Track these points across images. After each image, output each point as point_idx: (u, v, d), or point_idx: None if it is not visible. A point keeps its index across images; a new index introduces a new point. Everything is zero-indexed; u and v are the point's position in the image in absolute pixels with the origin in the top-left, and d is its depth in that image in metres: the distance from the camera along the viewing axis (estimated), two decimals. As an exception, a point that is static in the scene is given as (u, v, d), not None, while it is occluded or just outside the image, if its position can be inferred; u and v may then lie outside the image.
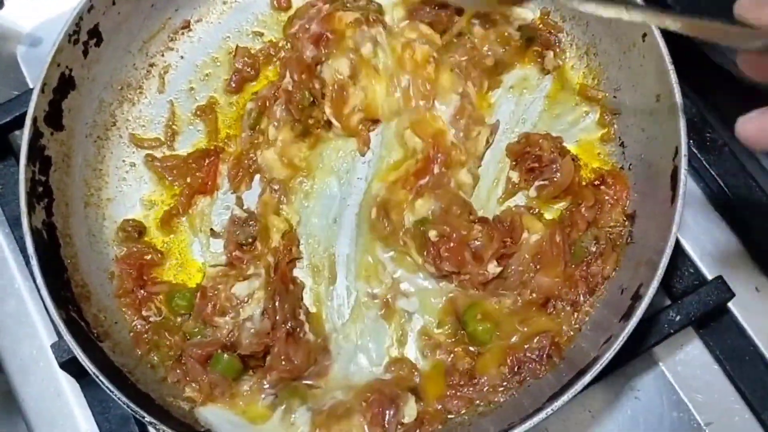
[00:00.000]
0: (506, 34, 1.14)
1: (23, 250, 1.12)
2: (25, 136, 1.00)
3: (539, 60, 1.16)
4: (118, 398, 0.89)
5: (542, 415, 0.87)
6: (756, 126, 0.74)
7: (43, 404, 1.10)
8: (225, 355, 0.99)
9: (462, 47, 1.13)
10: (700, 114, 1.15)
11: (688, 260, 1.11)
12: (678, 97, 0.97)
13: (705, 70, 1.12)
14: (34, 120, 1.01)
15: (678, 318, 1.02)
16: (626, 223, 1.04)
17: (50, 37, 1.05)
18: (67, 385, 1.10)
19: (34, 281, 1.09)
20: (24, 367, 1.11)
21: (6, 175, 1.17)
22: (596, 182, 1.07)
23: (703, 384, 1.08)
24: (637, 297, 0.93)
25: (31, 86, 1.25)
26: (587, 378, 0.88)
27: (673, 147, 0.97)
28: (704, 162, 1.14)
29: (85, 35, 1.08)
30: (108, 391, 0.89)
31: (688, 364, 1.09)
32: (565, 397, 0.88)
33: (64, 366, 1.03)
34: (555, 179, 1.06)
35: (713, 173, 1.14)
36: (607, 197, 1.05)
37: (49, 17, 1.32)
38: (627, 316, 0.91)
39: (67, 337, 0.92)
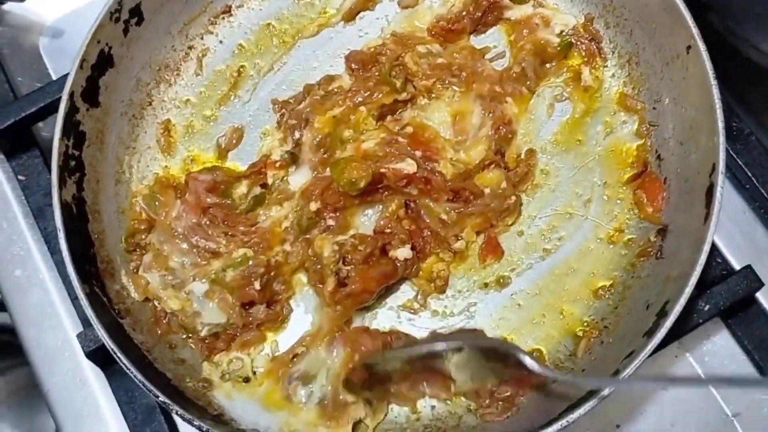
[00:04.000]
0: (542, 41, 1.13)
1: (48, 241, 1.15)
2: (60, 110, 1.01)
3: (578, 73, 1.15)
4: (134, 375, 0.89)
5: (556, 426, 0.86)
6: None
7: (68, 395, 1.10)
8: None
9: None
10: (726, 103, 1.12)
11: (716, 250, 1.10)
12: (719, 112, 0.95)
13: (731, 59, 1.10)
14: (71, 95, 1.02)
15: (707, 308, 1.02)
16: (657, 237, 1.02)
17: (73, 29, 1.07)
18: (93, 375, 1.11)
19: (58, 269, 1.13)
20: (49, 358, 1.12)
21: (30, 166, 1.19)
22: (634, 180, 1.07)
23: (730, 374, 1.07)
24: (663, 314, 0.91)
25: (54, 77, 1.27)
26: (606, 392, 0.87)
27: (710, 163, 0.95)
28: (731, 152, 1.13)
29: (126, 14, 1.09)
30: (123, 367, 0.90)
31: (715, 354, 1.09)
32: (581, 410, 0.87)
33: (90, 355, 1.04)
34: None
35: (740, 163, 1.13)
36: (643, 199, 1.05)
37: (72, 9, 1.34)
38: (651, 332, 0.90)
39: (88, 311, 0.92)
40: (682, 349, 1.09)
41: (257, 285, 1.01)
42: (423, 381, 0.97)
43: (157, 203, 1.07)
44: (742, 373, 1.07)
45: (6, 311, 1.16)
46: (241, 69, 1.18)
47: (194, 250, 1.04)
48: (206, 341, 1.02)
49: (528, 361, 0.88)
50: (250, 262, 1.02)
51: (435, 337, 1.00)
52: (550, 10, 1.17)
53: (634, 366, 0.87)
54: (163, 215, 1.06)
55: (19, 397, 2.14)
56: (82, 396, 1.10)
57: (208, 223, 1.04)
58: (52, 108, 1.11)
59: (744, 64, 1.10)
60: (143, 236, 1.06)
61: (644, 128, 1.09)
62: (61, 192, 0.98)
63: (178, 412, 0.89)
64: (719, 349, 1.09)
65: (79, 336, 1.05)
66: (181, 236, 1.04)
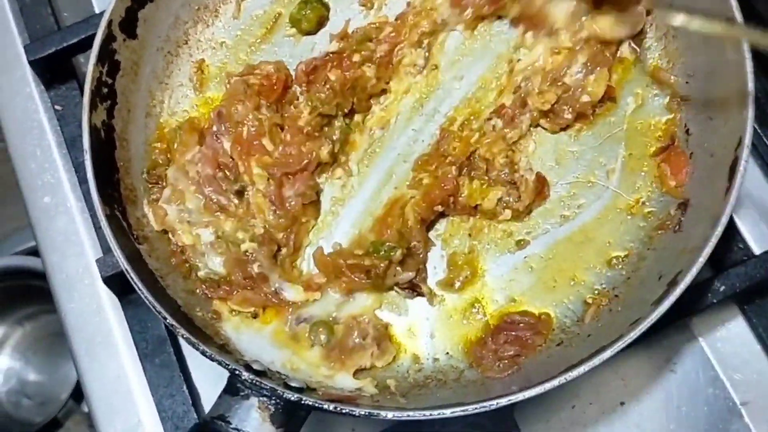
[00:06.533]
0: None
1: (78, 171, 1.18)
2: (98, 36, 1.03)
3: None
4: (144, 296, 0.91)
5: (554, 383, 0.86)
6: None
7: (83, 320, 1.14)
8: None
9: None
10: (763, 89, 1.11)
11: (739, 236, 1.08)
12: (751, 85, 0.93)
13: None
14: (109, 23, 1.04)
15: (722, 288, 1.01)
16: (678, 211, 1.01)
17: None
18: (109, 303, 1.14)
19: (86, 198, 1.17)
20: (69, 283, 1.15)
21: (67, 97, 1.21)
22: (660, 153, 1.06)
23: (742, 362, 1.06)
24: (673, 283, 0.90)
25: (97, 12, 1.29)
26: (607, 354, 0.86)
27: (737, 137, 0.93)
28: (764, 137, 1.11)
29: (169, -50, 1.11)
30: (135, 286, 0.92)
31: (728, 341, 1.07)
32: (582, 368, 0.86)
33: (107, 281, 1.07)
34: None
35: (773, 151, 1.11)
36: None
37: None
38: (659, 301, 0.89)
39: (107, 231, 0.94)
40: (695, 334, 1.08)
41: (256, 268, 1.02)
42: None
43: (177, 140, 1.08)
44: (754, 361, 1.06)
45: (38, 257, 1.20)
46: (278, 16, 1.19)
47: (204, 200, 1.05)
48: (205, 284, 1.03)
49: None
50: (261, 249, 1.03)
51: None
52: (590, -24, 1.15)
53: (637, 332, 0.86)
54: (179, 154, 1.07)
55: (44, 343, 2.20)
56: (96, 322, 1.14)
57: (222, 177, 1.06)
58: (92, 41, 1.13)
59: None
60: (164, 169, 1.08)
61: (676, 102, 1.07)
62: (91, 115, 1.00)
63: (184, 336, 0.90)
64: (733, 336, 1.08)
65: (98, 261, 1.08)
66: (194, 180, 1.06)
